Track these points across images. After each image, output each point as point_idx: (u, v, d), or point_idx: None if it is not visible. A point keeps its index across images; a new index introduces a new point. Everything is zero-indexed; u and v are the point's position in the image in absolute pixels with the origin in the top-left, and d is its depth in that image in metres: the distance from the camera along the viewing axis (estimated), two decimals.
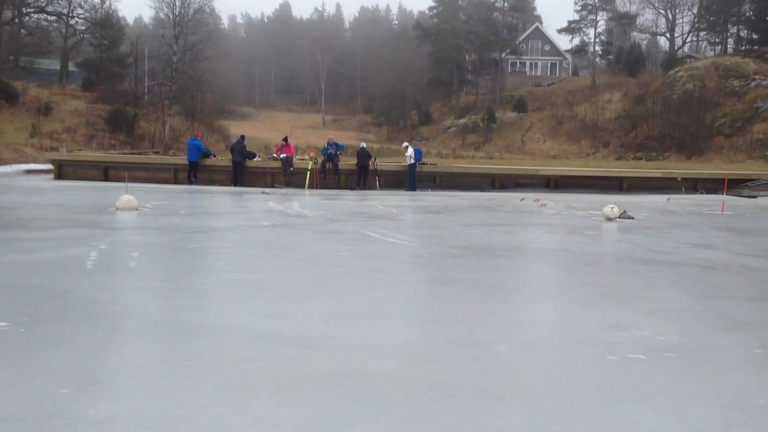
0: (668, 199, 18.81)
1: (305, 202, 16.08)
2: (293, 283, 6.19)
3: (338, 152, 21.76)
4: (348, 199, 16.90)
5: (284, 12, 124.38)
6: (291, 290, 5.83)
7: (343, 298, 5.58)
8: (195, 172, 21.33)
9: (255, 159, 22.47)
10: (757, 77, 48.02)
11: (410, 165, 21.53)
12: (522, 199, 16.99)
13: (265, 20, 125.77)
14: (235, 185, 20.85)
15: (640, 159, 45.93)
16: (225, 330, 4.43)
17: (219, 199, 16.45)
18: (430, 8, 79.97)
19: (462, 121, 66.83)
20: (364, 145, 22.27)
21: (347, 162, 22.66)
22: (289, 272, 6.79)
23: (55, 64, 56.13)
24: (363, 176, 21.38)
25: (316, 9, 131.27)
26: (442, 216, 13.28)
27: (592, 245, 9.64)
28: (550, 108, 64.30)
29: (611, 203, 13.51)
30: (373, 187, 21.51)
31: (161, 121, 40.90)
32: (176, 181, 21.60)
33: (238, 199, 16.49)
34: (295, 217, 12.25)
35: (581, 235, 10.59)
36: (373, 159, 22.07)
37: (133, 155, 25.94)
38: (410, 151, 21.66)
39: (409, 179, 21.53)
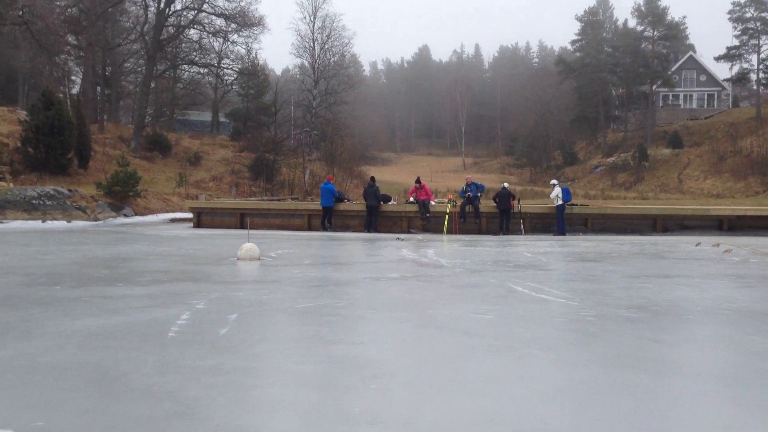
0: None
1: (442, 249, 14.57)
2: (416, 363, 4.63)
3: (478, 194, 20.18)
4: (490, 246, 15.20)
5: (423, 56, 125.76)
6: (411, 376, 4.27)
7: (484, 390, 3.95)
8: (329, 218, 20.52)
9: (390, 203, 21.36)
10: None
11: (558, 206, 19.52)
12: (697, 244, 14.51)
13: (405, 65, 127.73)
14: (368, 231, 19.78)
15: None
16: None
17: (349, 246, 15.32)
18: (573, 42, 77.33)
19: (610, 159, 63.18)
20: (506, 185, 20.54)
21: (487, 204, 20.99)
22: (412, 346, 5.25)
23: (206, 116, 59.26)
24: (506, 220, 19.64)
25: (455, 51, 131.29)
26: (601, 265, 11.26)
27: None
28: (709, 143, 59.27)
29: None
30: (517, 232, 19.71)
31: (302, 167, 41.28)
32: (310, 228, 20.92)
33: (369, 246, 15.26)
34: (429, 267, 10.75)
35: None
36: (516, 200, 20.28)
37: (268, 202, 25.71)
38: (557, 190, 19.65)
39: (558, 222, 19.51)
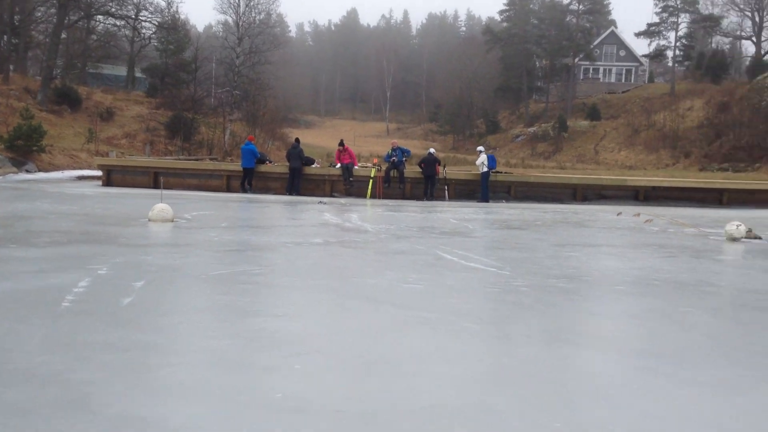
0: None
1: (366, 213, 14.18)
2: (344, 339, 4.20)
3: (403, 158, 19.85)
4: (414, 211, 14.92)
5: (351, 19, 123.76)
6: (339, 354, 3.85)
7: (420, 370, 3.57)
8: (249, 179, 19.77)
9: (314, 165, 20.77)
10: None
11: (483, 173, 19.42)
12: (619, 213, 14.67)
13: (332, 28, 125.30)
14: (290, 194, 19.18)
15: (727, 170, 42.81)
16: None
17: (270, 209, 14.72)
18: (501, 12, 77.67)
19: (531, 129, 64.21)
20: (432, 150, 20.29)
21: (412, 170, 20.70)
22: (338, 319, 4.82)
23: (121, 70, 56.31)
24: (430, 185, 19.41)
25: (383, 16, 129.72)
26: (527, 233, 11.15)
27: (740, 277, 7.37)
28: (625, 116, 61.08)
29: (733, 220, 11.20)
30: (441, 198, 19.52)
31: (222, 127, 39.89)
32: (229, 189, 20.11)
33: (291, 209, 14.71)
34: (353, 233, 10.33)
35: (713, 262, 8.34)
36: (442, 166, 20.07)
37: (184, 161, 24.61)
38: (483, 157, 19.53)
39: (482, 189, 19.45)
